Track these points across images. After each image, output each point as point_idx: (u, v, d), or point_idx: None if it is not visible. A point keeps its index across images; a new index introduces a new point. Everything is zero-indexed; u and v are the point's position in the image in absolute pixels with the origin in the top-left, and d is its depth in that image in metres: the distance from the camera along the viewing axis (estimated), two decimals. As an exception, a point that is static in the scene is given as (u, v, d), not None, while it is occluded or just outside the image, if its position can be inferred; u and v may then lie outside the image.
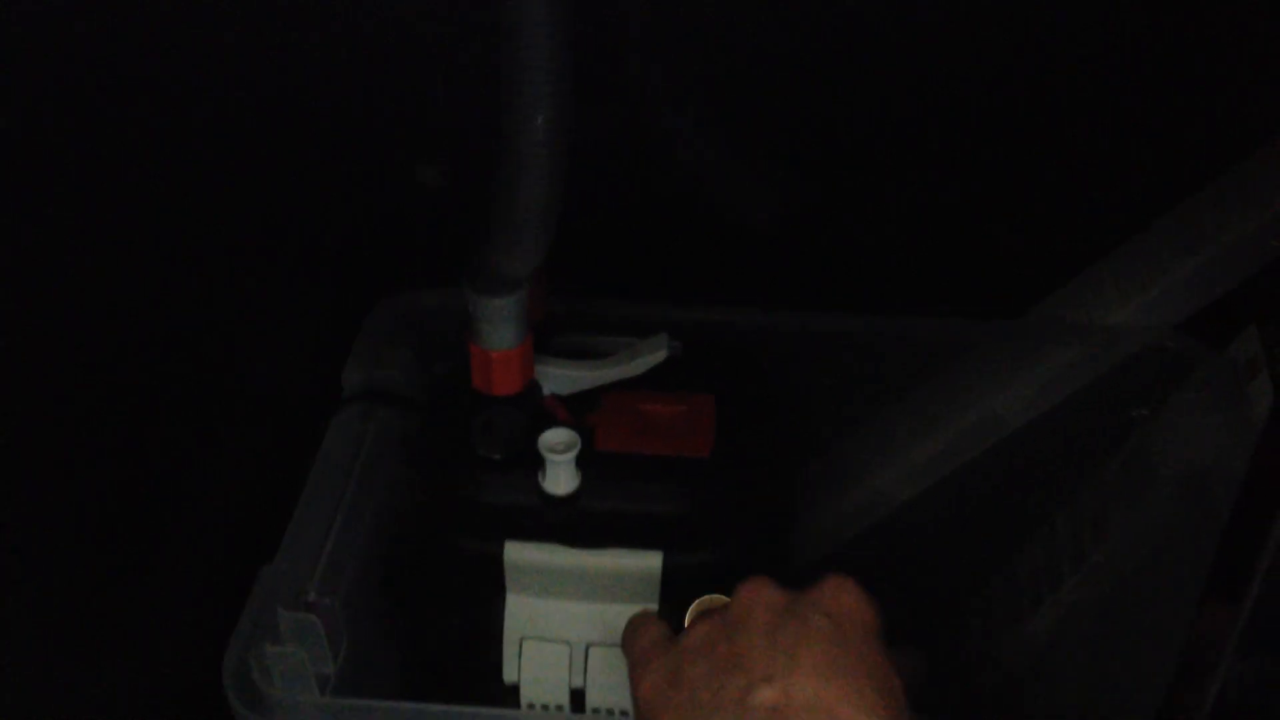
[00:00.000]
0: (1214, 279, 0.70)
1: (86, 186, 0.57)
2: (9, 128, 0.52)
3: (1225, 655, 0.47)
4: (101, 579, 0.61)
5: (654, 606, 0.61)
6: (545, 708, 0.62)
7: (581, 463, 0.62)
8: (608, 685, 0.61)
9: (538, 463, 0.62)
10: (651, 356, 0.66)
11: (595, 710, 0.61)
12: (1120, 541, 0.73)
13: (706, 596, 0.56)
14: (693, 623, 0.52)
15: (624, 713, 0.61)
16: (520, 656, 0.61)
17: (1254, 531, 0.45)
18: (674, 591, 0.61)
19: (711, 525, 0.62)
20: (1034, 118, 0.72)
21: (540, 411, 0.64)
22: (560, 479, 0.62)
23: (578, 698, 0.62)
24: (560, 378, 0.65)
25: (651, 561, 0.60)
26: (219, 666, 0.58)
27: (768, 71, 0.72)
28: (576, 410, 0.65)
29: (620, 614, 0.61)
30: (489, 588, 0.62)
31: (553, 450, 0.61)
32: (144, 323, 0.63)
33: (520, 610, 0.62)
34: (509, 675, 0.62)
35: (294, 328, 0.78)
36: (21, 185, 0.53)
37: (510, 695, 0.62)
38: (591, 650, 0.60)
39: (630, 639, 0.53)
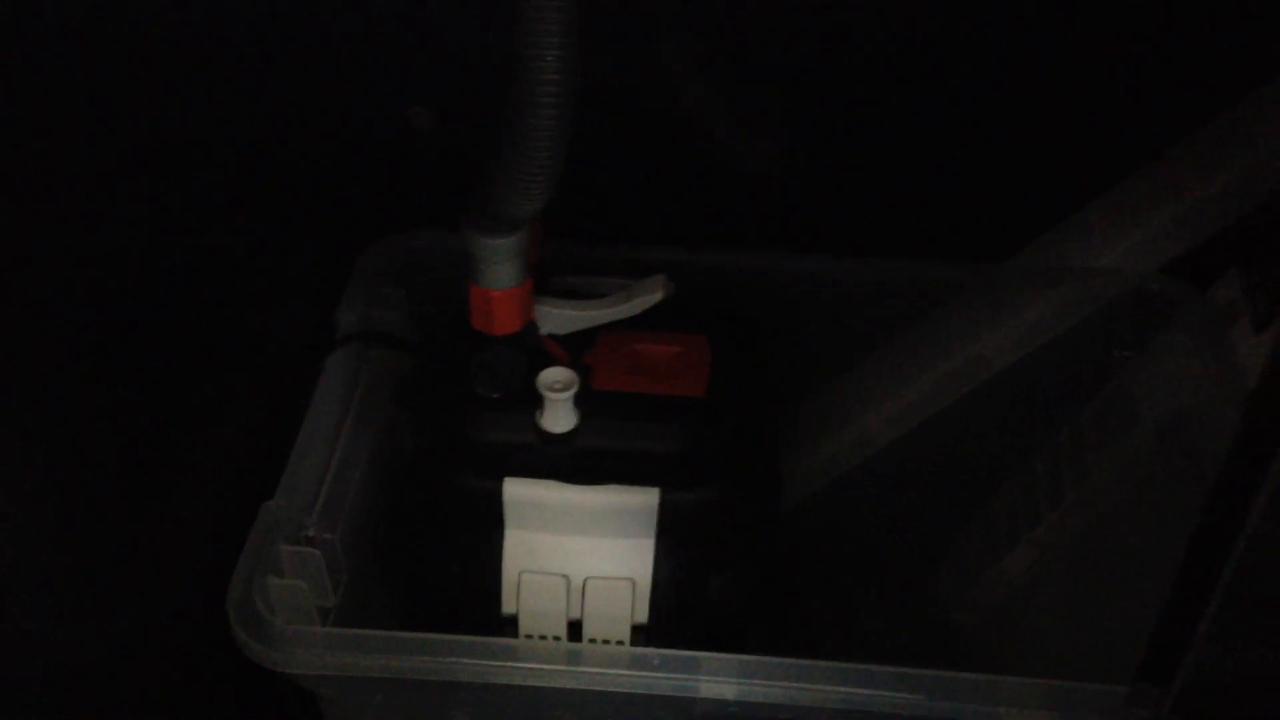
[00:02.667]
0: (1198, 224, 0.71)
1: (74, 133, 0.57)
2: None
3: (1208, 614, 0.48)
4: (109, 515, 0.62)
5: (650, 541, 0.62)
6: (543, 638, 0.63)
7: (579, 401, 0.63)
8: (604, 617, 0.62)
9: (536, 401, 0.63)
10: (649, 296, 0.66)
11: (591, 641, 0.63)
12: (1098, 482, 0.74)
13: None
14: None
15: (620, 642, 0.62)
16: (519, 589, 0.62)
17: (1246, 481, 0.45)
18: (670, 527, 0.62)
19: (707, 462, 0.63)
20: (1022, 62, 0.73)
21: (538, 351, 0.65)
22: (558, 417, 0.63)
23: (574, 629, 0.63)
24: (558, 317, 0.66)
25: (649, 497, 0.61)
26: (224, 598, 0.59)
27: (764, 14, 0.72)
28: (573, 350, 0.66)
29: (617, 548, 0.63)
30: (488, 523, 0.63)
31: (551, 389, 0.62)
32: (141, 264, 0.64)
33: (519, 545, 0.63)
34: (507, 607, 0.63)
35: (289, 269, 0.78)
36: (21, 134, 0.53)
37: (509, 627, 0.64)
38: (589, 583, 0.61)
39: None
